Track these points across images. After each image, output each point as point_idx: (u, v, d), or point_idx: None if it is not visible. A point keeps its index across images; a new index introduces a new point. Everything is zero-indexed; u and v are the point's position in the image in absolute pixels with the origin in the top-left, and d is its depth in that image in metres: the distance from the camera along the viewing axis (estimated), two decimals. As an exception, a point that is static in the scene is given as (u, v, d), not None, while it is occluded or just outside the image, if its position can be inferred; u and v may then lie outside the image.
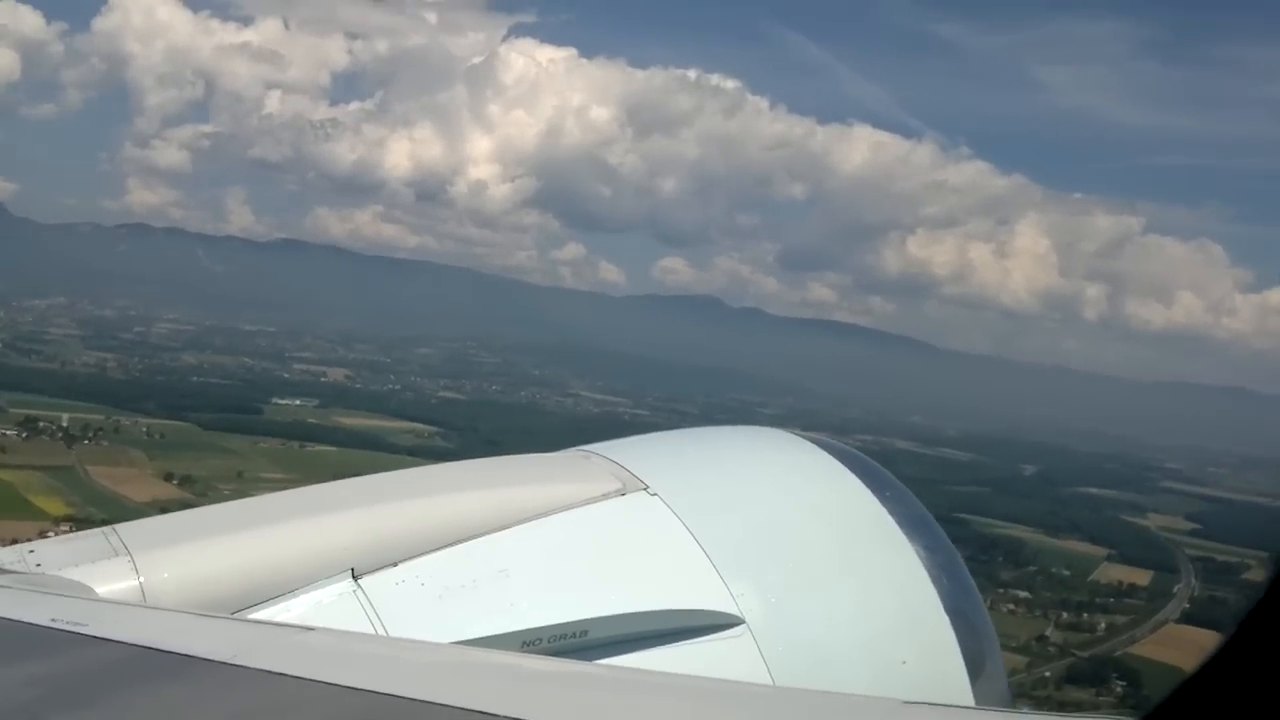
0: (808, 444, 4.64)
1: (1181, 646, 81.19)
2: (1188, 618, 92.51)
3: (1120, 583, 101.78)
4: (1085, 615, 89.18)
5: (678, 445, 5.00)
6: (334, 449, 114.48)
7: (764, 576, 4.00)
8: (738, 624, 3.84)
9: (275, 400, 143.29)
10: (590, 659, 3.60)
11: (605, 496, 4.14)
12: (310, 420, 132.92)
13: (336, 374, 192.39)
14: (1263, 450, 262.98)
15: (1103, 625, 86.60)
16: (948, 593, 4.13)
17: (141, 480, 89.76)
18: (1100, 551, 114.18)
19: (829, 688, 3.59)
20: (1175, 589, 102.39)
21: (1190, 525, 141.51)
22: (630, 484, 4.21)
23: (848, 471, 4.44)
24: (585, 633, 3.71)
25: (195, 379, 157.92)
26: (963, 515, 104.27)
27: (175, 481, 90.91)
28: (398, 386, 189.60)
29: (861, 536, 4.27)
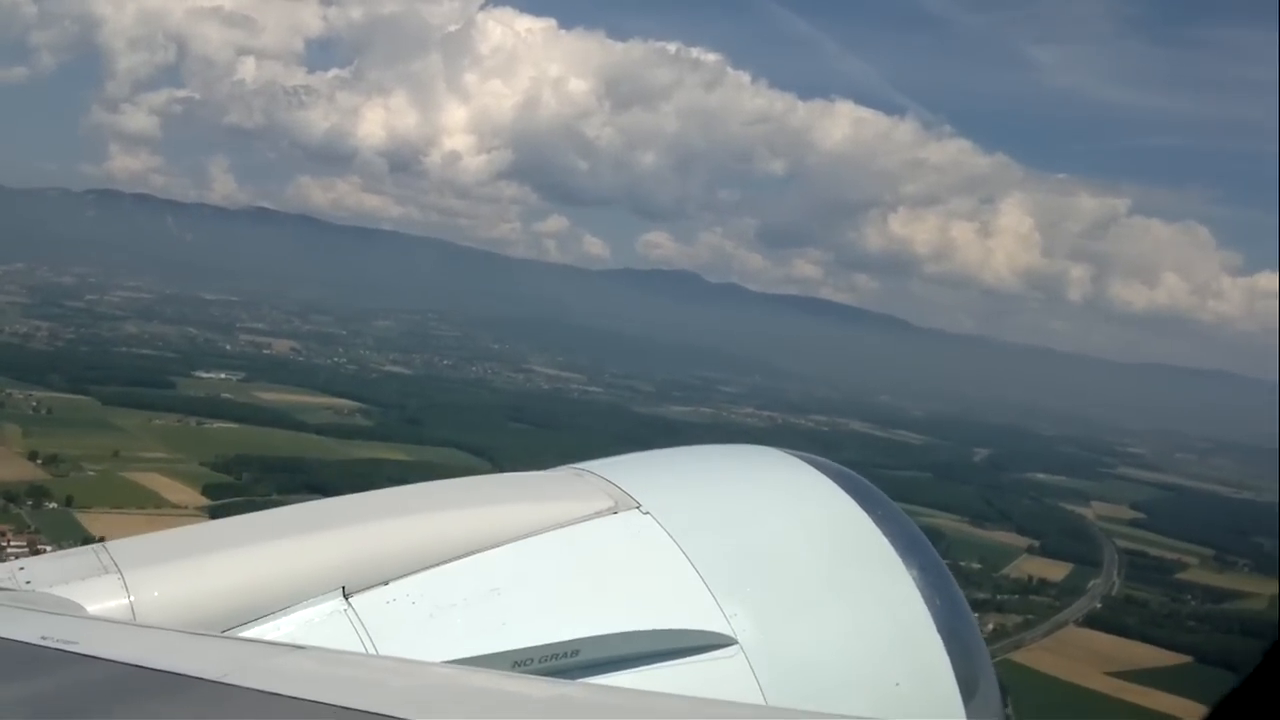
0: (801, 463, 4.55)
1: (1069, 654, 77.65)
2: (1091, 620, 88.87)
3: (1031, 578, 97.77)
4: (977, 614, 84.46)
5: (671, 463, 4.84)
6: (235, 426, 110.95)
7: (757, 597, 3.95)
8: (730, 644, 3.80)
9: (196, 374, 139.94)
10: (582, 679, 3.59)
11: (598, 515, 4.08)
12: (224, 395, 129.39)
13: (282, 346, 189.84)
14: (1242, 436, 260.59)
15: (990, 626, 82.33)
16: (941, 613, 4.07)
17: (2, 460, 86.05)
18: (1023, 543, 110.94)
19: (822, 709, 3.76)
20: (1090, 585, 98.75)
21: (1134, 515, 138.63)
22: (623, 502, 4.13)
23: (840, 490, 4.35)
24: (577, 652, 3.67)
25: (123, 350, 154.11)
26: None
27: (39, 461, 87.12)
28: (343, 360, 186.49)
29: (854, 556, 4.22)
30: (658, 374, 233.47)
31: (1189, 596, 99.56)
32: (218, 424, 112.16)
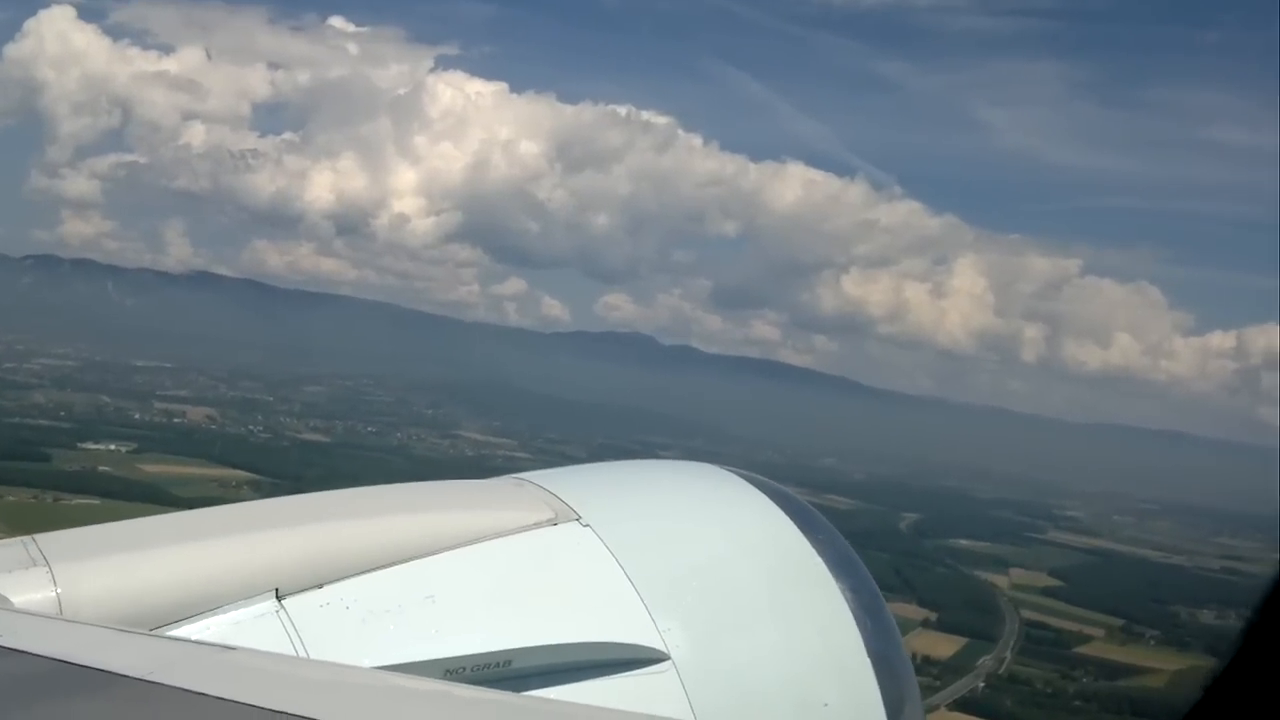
0: (741, 481, 4.62)
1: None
2: (964, 703, 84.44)
3: (915, 655, 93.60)
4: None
5: (613, 476, 4.94)
6: (97, 502, 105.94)
7: (691, 613, 4.02)
8: (663, 660, 3.86)
9: (83, 445, 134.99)
10: (514, 689, 3.62)
11: (537, 525, 4.10)
12: (102, 468, 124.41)
13: (198, 414, 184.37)
14: (1191, 497, 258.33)
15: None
16: (871, 635, 4.18)
17: None
18: (921, 615, 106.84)
19: None
20: (979, 663, 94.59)
21: (1051, 582, 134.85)
22: (563, 514, 4.17)
23: (778, 510, 4.43)
24: (509, 662, 3.70)
25: (14, 420, 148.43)
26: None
27: None
28: (258, 428, 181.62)
29: (789, 576, 4.29)
30: (596, 438, 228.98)
31: (1081, 673, 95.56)
32: (79, 500, 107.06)
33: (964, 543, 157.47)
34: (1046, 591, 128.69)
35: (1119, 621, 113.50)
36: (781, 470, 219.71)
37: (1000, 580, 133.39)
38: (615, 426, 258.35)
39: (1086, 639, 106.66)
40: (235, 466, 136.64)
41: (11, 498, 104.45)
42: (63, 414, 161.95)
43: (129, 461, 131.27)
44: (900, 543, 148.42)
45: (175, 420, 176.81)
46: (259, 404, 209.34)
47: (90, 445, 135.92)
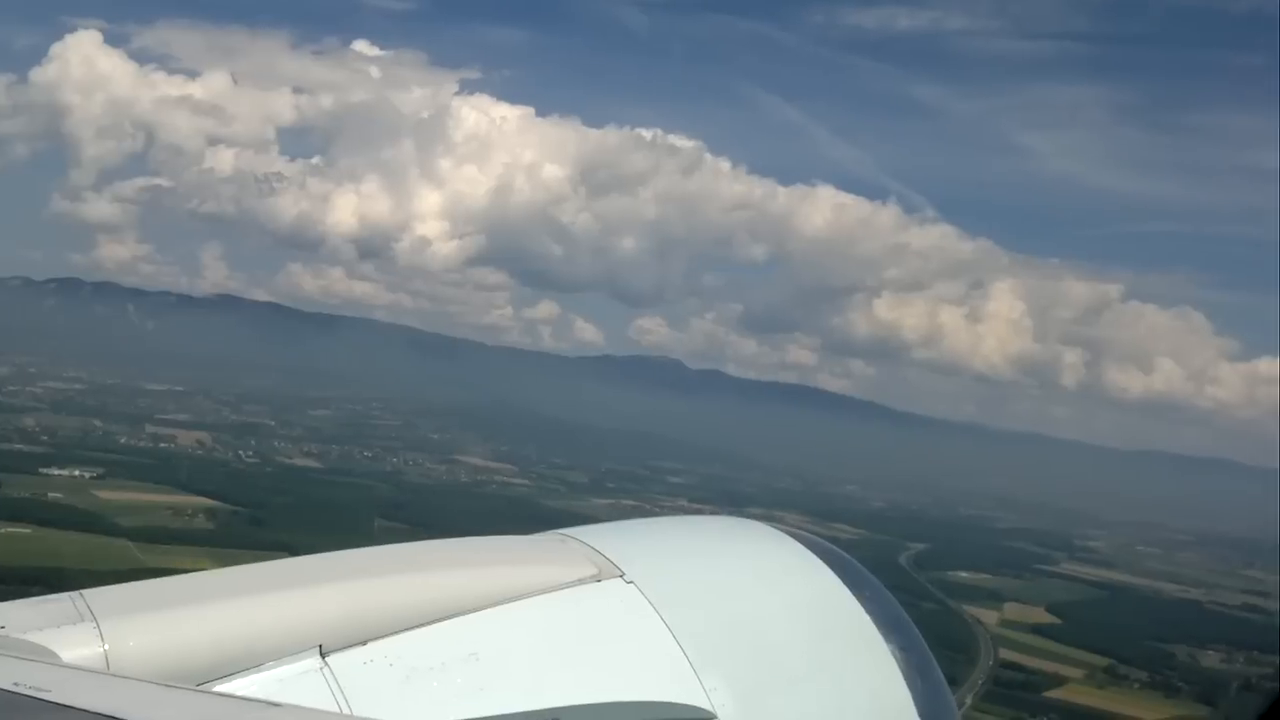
0: (786, 538, 4.66)
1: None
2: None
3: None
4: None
5: (656, 533, 5.02)
6: (28, 530, 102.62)
7: (738, 672, 4.01)
8: (709, 718, 3.88)
9: (45, 470, 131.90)
10: None
11: (580, 582, 4.13)
12: (52, 495, 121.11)
13: (189, 438, 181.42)
14: (1232, 527, 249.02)
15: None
16: (921, 695, 4.19)
17: None
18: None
19: None
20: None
21: (1046, 619, 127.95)
22: (606, 570, 4.19)
23: (825, 567, 4.48)
24: None
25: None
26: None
27: None
28: (248, 453, 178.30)
29: (837, 634, 4.32)
30: (604, 464, 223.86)
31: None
32: (10, 528, 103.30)
33: (964, 575, 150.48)
34: (1038, 629, 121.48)
35: (1104, 661, 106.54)
36: (797, 497, 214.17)
37: (991, 616, 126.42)
38: (627, 452, 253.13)
39: (1061, 681, 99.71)
40: (200, 493, 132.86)
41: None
42: (44, 438, 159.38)
43: (87, 488, 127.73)
44: (894, 575, 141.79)
45: (161, 445, 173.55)
46: (259, 428, 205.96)
47: (54, 471, 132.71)
